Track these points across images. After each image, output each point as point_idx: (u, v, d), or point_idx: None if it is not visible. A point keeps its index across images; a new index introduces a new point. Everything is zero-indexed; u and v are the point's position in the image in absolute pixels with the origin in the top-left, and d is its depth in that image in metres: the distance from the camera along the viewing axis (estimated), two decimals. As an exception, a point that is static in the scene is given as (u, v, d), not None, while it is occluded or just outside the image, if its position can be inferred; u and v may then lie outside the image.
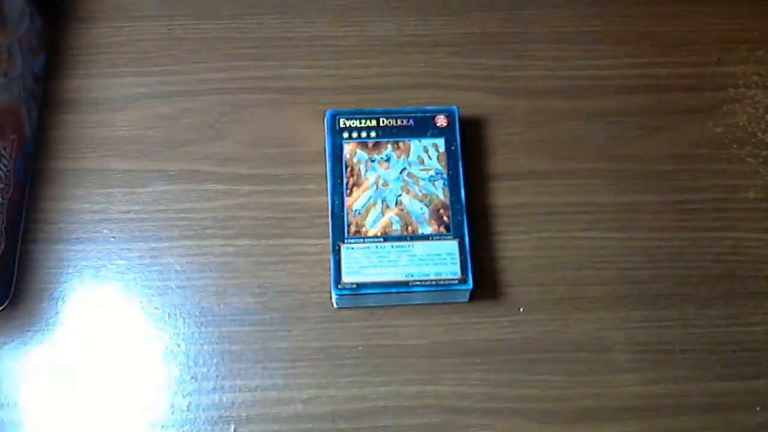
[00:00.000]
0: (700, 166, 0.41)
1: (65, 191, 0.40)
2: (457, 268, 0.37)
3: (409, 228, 0.37)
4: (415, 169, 0.39)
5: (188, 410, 0.36)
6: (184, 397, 0.36)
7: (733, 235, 0.39)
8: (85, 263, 0.39)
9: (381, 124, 0.40)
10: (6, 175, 0.38)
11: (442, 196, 0.38)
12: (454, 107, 0.40)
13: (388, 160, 0.39)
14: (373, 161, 0.39)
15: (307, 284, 0.38)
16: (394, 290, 0.36)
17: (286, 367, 0.37)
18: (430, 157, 0.39)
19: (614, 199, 0.40)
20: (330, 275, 0.37)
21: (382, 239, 0.37)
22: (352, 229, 0.37)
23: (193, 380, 0.36)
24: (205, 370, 0.36)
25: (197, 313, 0.38)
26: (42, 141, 0.41)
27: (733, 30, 0.45)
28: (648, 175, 0.40)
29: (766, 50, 0.44)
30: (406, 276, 0.36)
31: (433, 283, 0.36)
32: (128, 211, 0.40)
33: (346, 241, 0.37)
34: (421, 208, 0.38)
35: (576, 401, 0.36)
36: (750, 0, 0.46)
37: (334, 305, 0.38)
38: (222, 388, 0.36)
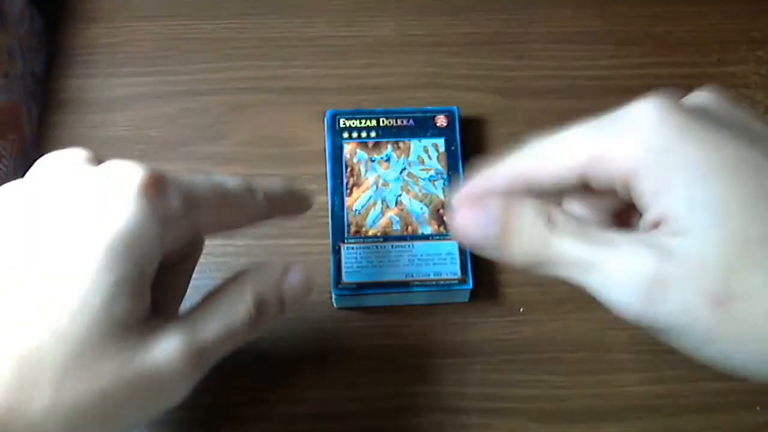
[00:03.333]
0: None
1: (65, 191, 0.40)
2: (457, 268, 0.37)
3: (409, 228, 0.37)
4: (415, 169, 0.39)
5: (188, 410, 0.36)
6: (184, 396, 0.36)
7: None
8: (85, 263, 0.39)
9: (381, 124, 0.40)
10: (7, 176, 0.38)
11: (442, 196, 0.38)
12: (454, 107, 0.40)
13: (388, 160, 0.39)
14: (373, 161, 0.39)
15: (307, 284, 0.38)
16: (393, 290, 0.36)
17: (286, 368, 0.37)
18: (430, 157, 0.39)
19: (614, 199, 0.40)
20: (330, 275, 0.37)
21: (382, 239, 0.37)
22: (352, 229, 0.37)
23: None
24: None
25: (197, 313, 0.38)
26: (42, 141, 0.42)
27: (733, 30, 0.45)
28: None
29: (766, 50, 0.44)
30: (406, 276, 0.36)
31: (433, 283, 0.36)
32: (128, 211, 0.40)
33: (346, 241, 0.37)
34: (421, 208, 0.38)
35: (576, 401, 0.36)
36: (750, 0, 0.46)
37: (334, 305, 0.38)
38: (222, 389, 0.36)
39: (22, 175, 0.27)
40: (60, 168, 0.26)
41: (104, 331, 0.23)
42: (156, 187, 0.25)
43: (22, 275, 0.24)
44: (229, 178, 0.29)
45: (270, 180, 0.33)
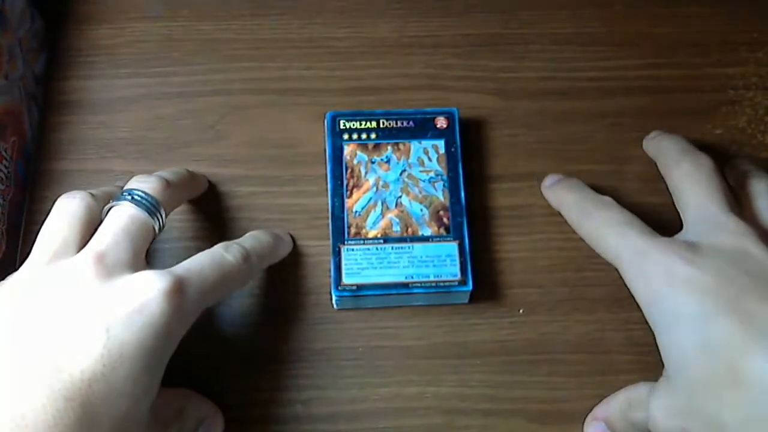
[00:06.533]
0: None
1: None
2: (457, 270, 0.37)
3: (409, 230, 0.37)
4: (415, 171, 0.39)
5: (189, 411, 0.36)
6: (184, 398, 0.36)
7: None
8: (85, 264, 0.39)
9: (381, 125, 0.40)
10: (7, 177, 0.38)
11: (442, 198, 0.38)
12: (454, 109, 0.40)
13: (388, 161, 0.39)
14: (373, 163, 0.39)
15: (306, 285, 0.39)
16: (394, 292, 0.36)
17: (286, 369, 0.37)
18: (430, 159, 0.39)
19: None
20: (330, 277, 0.37)
21: (382, 241, 0.37)
22: (352, 230, 0.37)
23: (193, 382, 0.36)
24: (205, 371, 0.36)
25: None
26: (43, 142, 0.42)
27: (733, 31, 0.45)
28: (647, 177, 0.40)
29: (766, 52, 0.45)
30: (406, 277, 0.36)
31: (433, 284, 0.36)
32: (129, 213, 0.40)
33: (346, 242, 0.37)
34: (421, 210, 0.38)
35: (576, 402, 0.36)
36: (750, 1, 0.46)
37: (334, 306, 0.38)
38: (222, 389, 0.36)
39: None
40: (84, 283, 0.29)
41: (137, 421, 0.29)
42: (178, 294, 0.29)
43: (63, 377, 0.27)
44: (228, 253, 0.33)
45: (256, 236, 0.37)
